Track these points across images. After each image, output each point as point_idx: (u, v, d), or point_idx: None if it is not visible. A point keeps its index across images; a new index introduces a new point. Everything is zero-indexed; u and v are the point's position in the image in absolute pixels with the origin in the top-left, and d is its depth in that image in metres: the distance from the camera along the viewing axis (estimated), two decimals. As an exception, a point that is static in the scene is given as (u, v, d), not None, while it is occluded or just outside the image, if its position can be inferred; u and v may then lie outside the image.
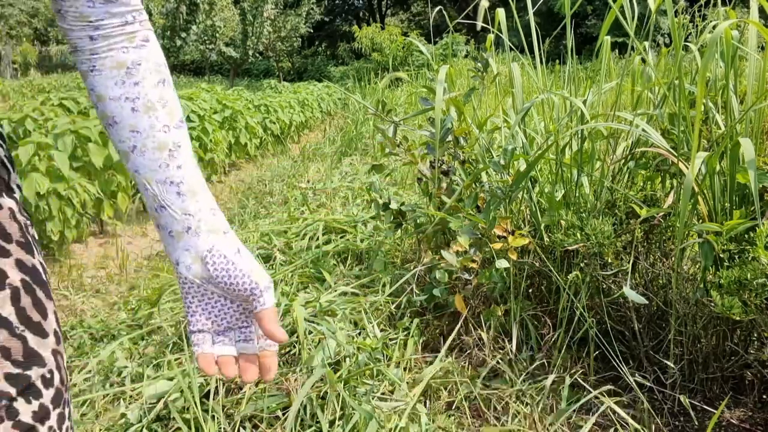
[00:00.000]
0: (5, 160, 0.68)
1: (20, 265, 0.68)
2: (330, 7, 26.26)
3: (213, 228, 0.66)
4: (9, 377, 0.64)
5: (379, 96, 8.50)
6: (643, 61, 2.08)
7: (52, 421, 0.67)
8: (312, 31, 21.32)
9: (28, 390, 0.65)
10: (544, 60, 2.25)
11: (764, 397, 1.64)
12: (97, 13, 0.64)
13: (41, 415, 0.65)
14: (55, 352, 0.68)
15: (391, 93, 9.88)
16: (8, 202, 0.67)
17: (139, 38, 0.66)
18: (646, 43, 2.06)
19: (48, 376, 0.67)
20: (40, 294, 0.69)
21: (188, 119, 5.36)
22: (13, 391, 0.64)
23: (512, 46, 2.22)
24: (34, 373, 0.66)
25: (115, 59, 0.65)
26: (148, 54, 0.67)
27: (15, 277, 0.67)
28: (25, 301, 0.67)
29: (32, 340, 0.66)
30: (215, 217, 0.66)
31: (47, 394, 0.67)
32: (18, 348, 0.65)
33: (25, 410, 0.64)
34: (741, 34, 1.83)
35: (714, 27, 1.68)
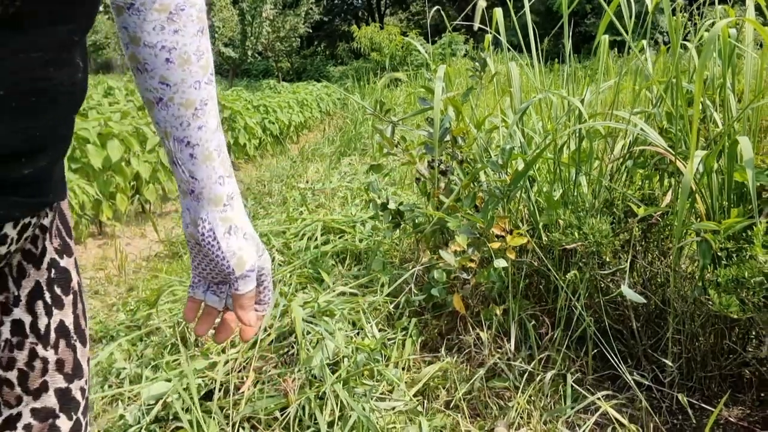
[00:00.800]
0: None
1: (77, 266, 0.65)
2: (329, 7, 26.28)
3: (214, 198, 0.63)
4: (58, 392, 0.61)
5: (378, 96, 8.50)
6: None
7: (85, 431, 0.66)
8: (311, 31, 21.30)
9: (68, 404, 0.63)
10: (542, 59, 2.25)
11: (762, 395, 1.64)
12: None
13: (76, 428, 0.64)
14: (88, 360, 0.67)
15: (390, 93, 9.87)
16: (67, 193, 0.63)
17: None
18: (644, 42, 2.06)
19: (84, 386, 0.65)
20: (84, 297, 0.67)
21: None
22: (57, 407, 0.61)
23: (511, 46, 2.22)
24: (75, 386, 0.63)
25: (159, 2, 0.58)
26: None
27: (75, 279, 0.64)
28: (80, 307, 0.65)
29: (79, 350, 0.64)
30: (222, 187, 0.63)
31: (82, 406, 0.65)
32: (69, 360, 0.62)
33: (66, 427, 0.62)
34: (738, 32, 1.83)
35: (711, 25, 1.68)
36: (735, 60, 1.83)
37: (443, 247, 2.03)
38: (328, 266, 2.44)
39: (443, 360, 1.82)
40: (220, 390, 1.59)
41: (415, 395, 1.67)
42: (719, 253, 1.53)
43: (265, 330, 1.79)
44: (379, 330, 1.95)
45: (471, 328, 1.94)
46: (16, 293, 0.58)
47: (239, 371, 1.67)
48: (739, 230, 1.50)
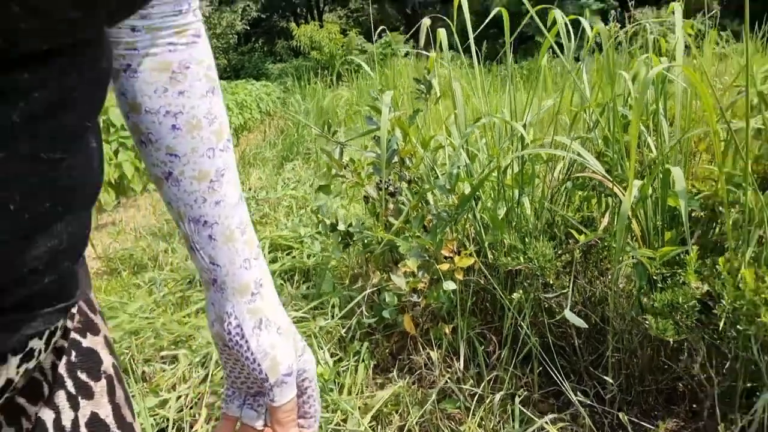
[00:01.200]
0: None
1: (109, 345, 0.54)
2: (267, 4, 25.86)
3: (240, 287, 0.54)
4: None
5: (320, 97, 8.46)
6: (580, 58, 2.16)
7: None
8: (248, 28, 20.96)
9: None
10: (482, 61, 2.31)
11: (694, 406, 1.75)
12: None
13: None
14: None
15: (330, 92, 9.84)
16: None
17: (190, 32, 0.52)
18: (582, 65, 2.14)
19: None
20: (124, 383, 0.56)
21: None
22: None
23: (450, 47, 2.27)
24: None
25: (158, 59, 0.50)
26: (199, 53, 0.52)
27: (108, 362, 0.53)
28: (119, 395, 0.54)
29: None
30: (248, 272, 0.54)
31: None
32: None
33: None
34: (669, 57, 1.93)
35: (647, 59, 1.77)
36: (666, 84, 1.93)
37: (393, 267, 2.06)
38: (276, 286, 2.43)
39: (395, 383, 1.85)
40: (172, 428, 1.56)
41: (369, 422, 1.69)
42: (655, 277, 1.62)
43: (217, 363, 1.76)
44: (331, 355, 1.96)
45: (421, 348, 1.97)
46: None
47: (191, 407, 1.64)
48: (673, 256, 1.59)
